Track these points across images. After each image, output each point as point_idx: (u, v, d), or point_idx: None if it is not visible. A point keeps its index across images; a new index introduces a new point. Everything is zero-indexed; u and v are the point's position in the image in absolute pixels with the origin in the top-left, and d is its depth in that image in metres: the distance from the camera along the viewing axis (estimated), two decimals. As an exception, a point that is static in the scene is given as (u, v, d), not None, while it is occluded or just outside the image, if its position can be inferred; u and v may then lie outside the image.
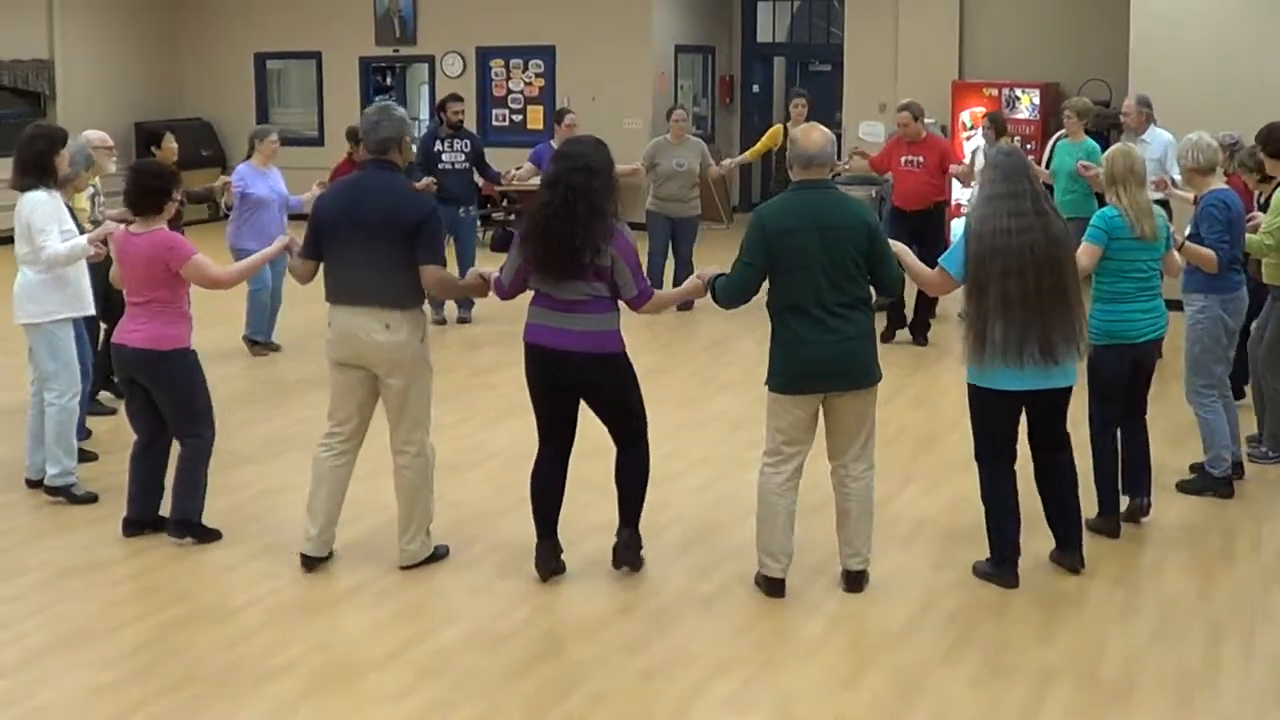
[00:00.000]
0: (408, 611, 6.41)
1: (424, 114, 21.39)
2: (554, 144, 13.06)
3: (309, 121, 21.32)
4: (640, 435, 6.75)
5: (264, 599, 6.56)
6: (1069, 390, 6.60)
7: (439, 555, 6.97)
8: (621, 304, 6.55)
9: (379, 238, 6.48)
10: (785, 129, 13.95)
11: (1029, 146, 15.80)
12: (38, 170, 7.73)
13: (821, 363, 6.25)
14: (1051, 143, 12.83)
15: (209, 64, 21.46)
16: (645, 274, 6.67)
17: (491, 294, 6.78)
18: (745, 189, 21.27)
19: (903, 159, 12.66)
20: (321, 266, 6.76)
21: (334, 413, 6.80)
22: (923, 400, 10.03)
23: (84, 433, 8.49)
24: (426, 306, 6.80)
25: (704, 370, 11.33)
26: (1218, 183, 7.96)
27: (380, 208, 6.52)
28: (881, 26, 17.52)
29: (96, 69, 20.11)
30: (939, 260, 6.67)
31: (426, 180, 12.28)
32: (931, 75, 16.78)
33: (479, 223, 13.36)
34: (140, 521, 7.28)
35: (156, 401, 7.11)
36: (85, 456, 8.29)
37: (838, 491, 6.55)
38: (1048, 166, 12.26)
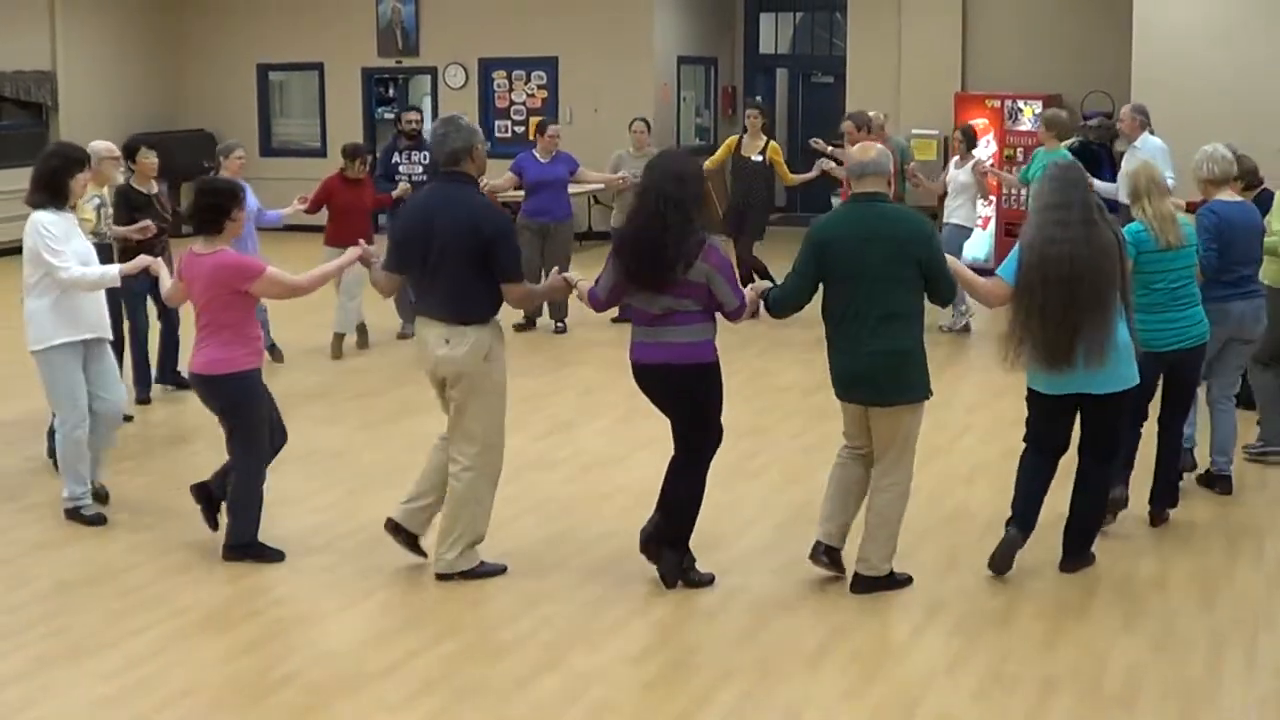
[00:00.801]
0: (410, 622, 6.40)
1: (426, 125, 21.40)
2: (536, 155, 13.15)
3: (311, 133, 21.34)
4: (705, 449, 6.73)
5: (266, 610, 6.56)
6: (1114, 396, 6.71)
7: (488, 572, 6.85)
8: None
9: (450, 251, 6.51)
10: (740, 140, 14.04)
11: (1032, 157, 15.85)
12: (49, 189, 7.57)
13: (852, 374, 6.46)
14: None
15: (211, 75, 21.48)
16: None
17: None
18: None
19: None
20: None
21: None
22: (929, 411, 10.02)
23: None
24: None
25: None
26: (1228, 194, 7.98)
27: (453, 222, 6.53)
28: (884, 38, 17.54)
29: (98, 80, 20.13)
30: (996, 271, 6.82)
31: (404, 187, 12.31)
32: (934, 87, 16.81)
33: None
34: (241, 546, 7.15)
35: (220, 421, 7.10)
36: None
37: (868, 498, 6.66)
38: (1024, 177, 12.50)
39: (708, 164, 14.24)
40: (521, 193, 13.29)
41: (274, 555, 7.08)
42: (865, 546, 6.62)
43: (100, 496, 7.91)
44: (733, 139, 14.36)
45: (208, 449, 8.50)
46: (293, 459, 7.80)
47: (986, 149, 15.73)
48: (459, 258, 6.50)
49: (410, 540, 6.96)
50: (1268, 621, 6.45)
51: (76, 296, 7.55)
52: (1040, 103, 16.23)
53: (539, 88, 20.17)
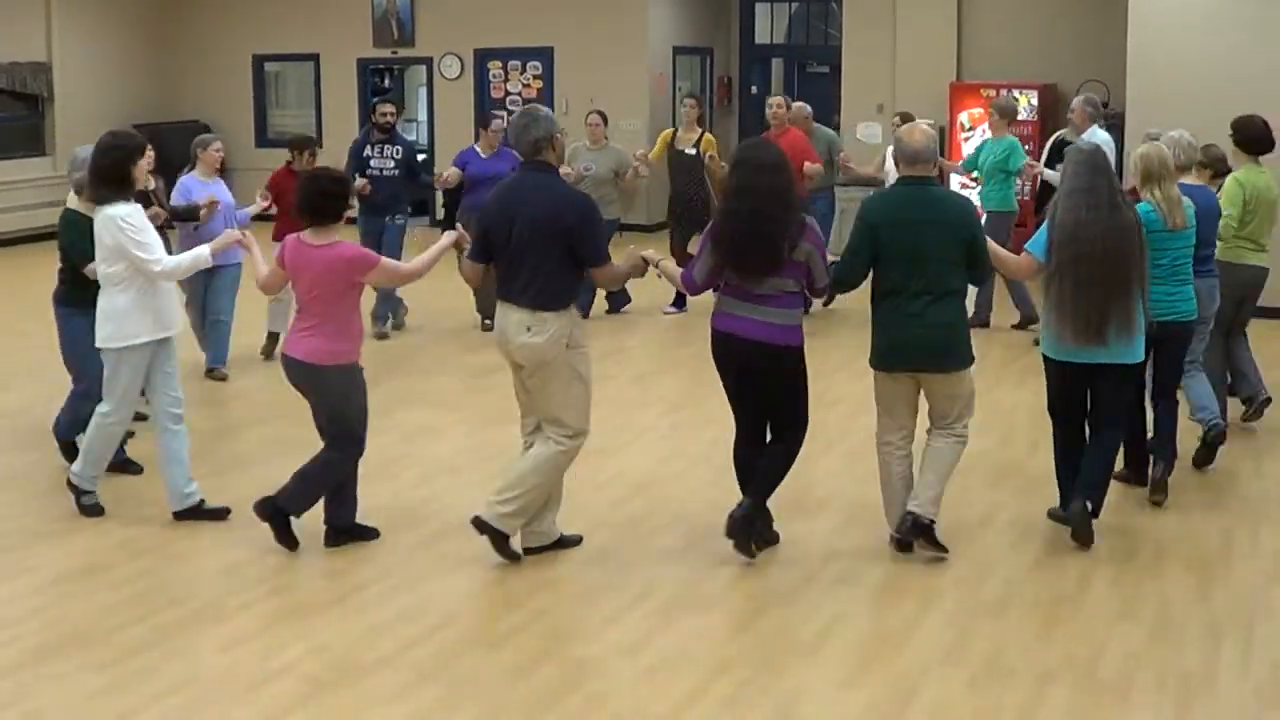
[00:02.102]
0: (406, 613, 6.40)
1: (421, 116, 21.40)
2: (478, 149, 12.81)
3: (307, 123, 21.30)
4: (799, 426, 6.98)
5: (262, 601, 6.56)
6: (1127, 368, 7.10)
7: (510, 553, 6.92)
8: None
9: (535, 239, 6.61)
10: (675, 133, 13.88)
11: (1027, 147, 15.83)
12: (117, 181, 7.29)
13: (908, 347, 6.75)
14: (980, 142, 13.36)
15: (207, 66, 21.45)
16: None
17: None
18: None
19: None
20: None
21: (521, 406, 7.00)
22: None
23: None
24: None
25: (703, 370, 11.30)
26: (1189, 179, 8.19)
27: (537, 209, 6.64)
28: (879, 28, 17.51)
29: (95, 71, 20.10)
30: (1025, 247, 7.22)
31: (361, 182, 11.98)
32: (929, 76, 16.78)
33: (407, 230, 13.07)
34: (339, 529, 7.19)
35: (316, 413, 7.09)
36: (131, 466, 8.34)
37: (925, 451, 6.99)
38: (974, 165, 12.85)
39: (651, 156, 14.01)
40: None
41: (291, 541, 7.04)
42: (920, 490, 6.91)
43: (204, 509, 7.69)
44: (668, 131, 14.15)
45: (208, 439, 8.50)
46: (287, 451, 7.79)
47: (981, 138, 15.72)
48: (543, 245, 6.61)
49: (557, 544, 7.07)
50: (1264, 611, 6.45)
51: (161, 291, 7.39)
52: (1036, 92, 16.24)
53: (534, 78, 20.14)
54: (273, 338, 11.75)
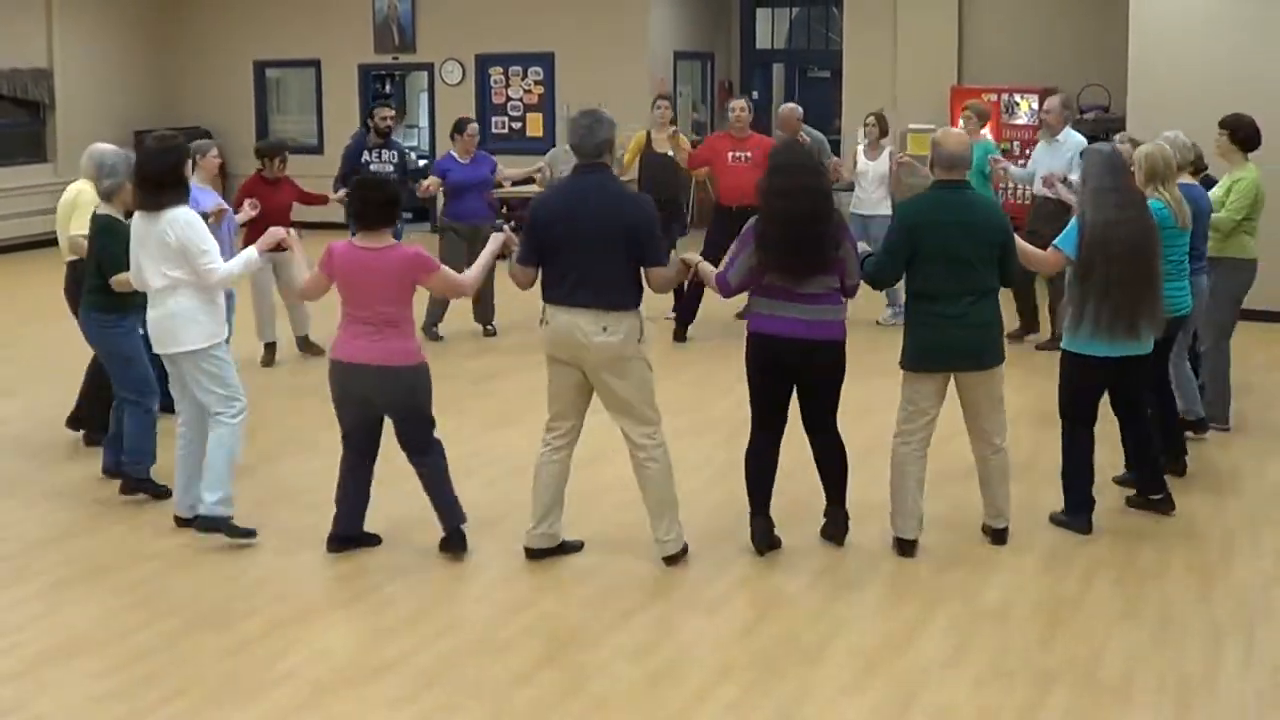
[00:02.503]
0: (409, 619, 6.41)
1: (422, 122, 21.41)
2: (455, 155, 12.60)
3: (308, 130, 21.34)
4: (834, 418, 7.13)
5: (266, 606, 6.56)
6: (1146, 358, 7.37)
7: (570, 548, 7.13)
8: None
9: (598, 240, 6.63)
10: (649, 134, 13.74)
11: (1028, 152, 15.83)
12: (175, 184, 7.18)
13: (947, 345, 6.90)
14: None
15: (208, 72, 21.48)
16: None
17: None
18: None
19: (730, 154, 12.72)
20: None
21: (551, 409, 6.98)
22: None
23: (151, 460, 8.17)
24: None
25: (705, 375, 11.33)
26: (1184, 178, 8.41)
27: (599, 210, 6.66)
28: (880, 32, 17.52)
29: (96, 77, 20.13)
30: (1054, 243, 7.36)
31: (341, 192, 11.73)
32: (930, 80, 16.80)
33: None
34: (347, 537, 7.18)
35: (390, 417, 7.04)
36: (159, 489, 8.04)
37: (978, 460, 7.25)
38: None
39: (626, 161, 13.74)
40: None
41: (459, 544, 7.14)
42: (998, 502, 7.23)
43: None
44: (641, 134, 13.92)
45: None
46: (291, 454, 7.81)
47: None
48: (610, 246, 6.63)
49: (560, 548, 7.12)
50: (1265, 614, 6.46)
51: (217, 291, 7.34)
52: (1037, 96, 16.25)
53: (535, 83, 20.16)
54: (270, 348, 11.72)
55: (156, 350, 7.37)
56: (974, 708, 5.52)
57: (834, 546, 7.17)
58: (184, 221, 7.11)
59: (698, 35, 20.79)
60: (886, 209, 12.75)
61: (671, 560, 6.94)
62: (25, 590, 6.79)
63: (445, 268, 7.07)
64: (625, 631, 6.25)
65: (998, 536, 7.25)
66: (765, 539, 7.08)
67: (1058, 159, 11.44)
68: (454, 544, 7.11)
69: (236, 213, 10.36)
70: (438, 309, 12.64)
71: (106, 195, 7.93)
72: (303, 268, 7.37)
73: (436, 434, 7.14)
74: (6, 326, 13.54)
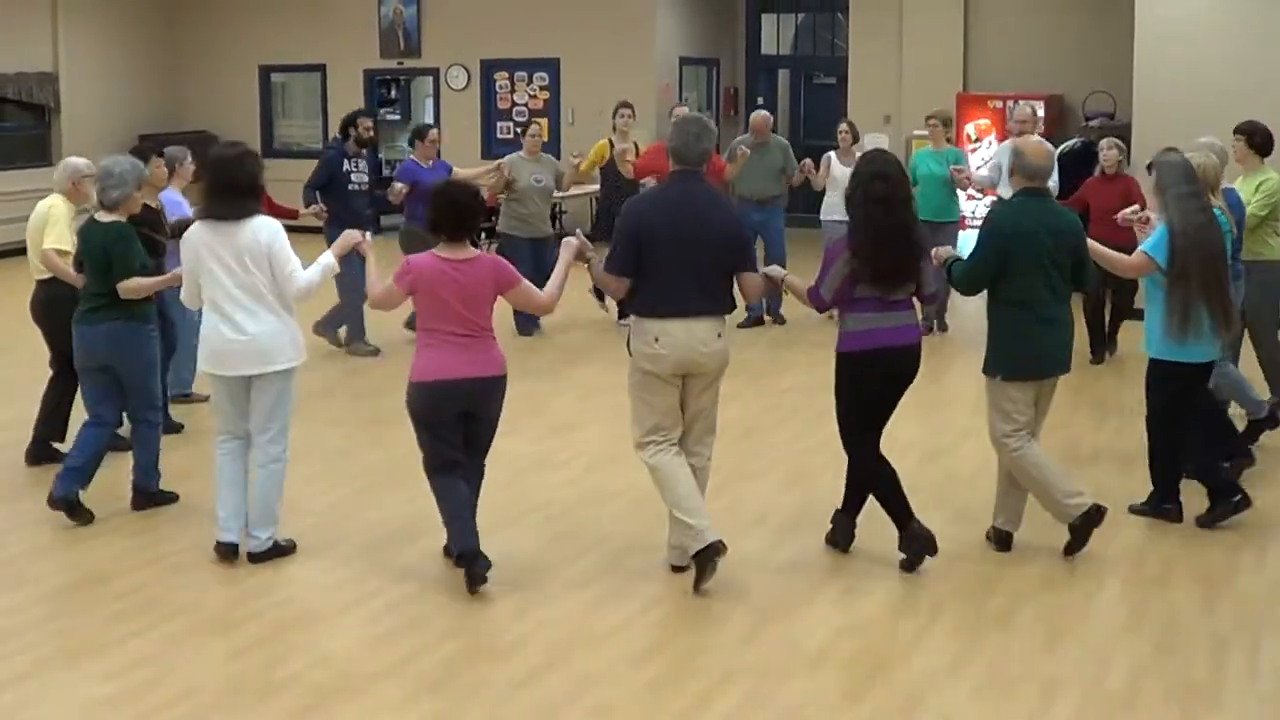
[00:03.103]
0: (411, 624, 6.40)
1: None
2: (416, 160, 12.53)
3: (313, 134, 21.35)
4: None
5: (266, 612, 6.55)
6: (1214, 362, 7.71)
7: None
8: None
9: (704, 248, 6.59)
10: (611, 143, 13.81)
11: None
12: (256, 193, 6.96)
13: (1045, 352, 7.01)
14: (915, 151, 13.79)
15: (213, 77, 21.50)
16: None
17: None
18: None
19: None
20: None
21: (658, 426, 6.75)
22: (931, 410, 10.02)
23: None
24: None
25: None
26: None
27: (703, 218, 6.63)
28: (886, 39, 17.54)
29: (101, 82, 20.15)
30: (1141, 248, 7.50)
31: (316, 207, 11.62)
32: (936, 87, 16.80)
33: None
34: (474, 552, 6.72)
35: (473, 433, 6.82)
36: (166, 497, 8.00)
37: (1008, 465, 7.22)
38: (914, 176, 12.89)
39: (583, 168, 13.93)
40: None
41: (483, 565, 6.72)
42: (1020, 505, 7.25)
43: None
44: (603, 143, 14.00)
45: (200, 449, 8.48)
46: (295, 458, 7.77)
47: (989, 149, 15.75)
48: (716, 253, 6.62)
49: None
50: (1270, 624, 6.44)
51: (301, 301, 7.03)
52: (1042, 102, 16.24)
53: (541, 89, 20.18)
54: None
55: (220, 371, 6.94)
56: (977, 716, 5.50)
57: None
58: (274, 229, 6.87)
59: (703, 41, 20.80)
60: None
61: (678, 569, 6.87)
62: (26, 595, 6.78)
63: (526, 281, 6.87)
64: (626, 637, 6.24)
65: (1004, 541, 7.28)
66: (930, 545, 6.94)
67: None
68: (473, 581, 6.71)
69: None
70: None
71: (113, 205, 7.69)
72: (374, 273, 7.05)
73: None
74: (8, 329, 13.52)
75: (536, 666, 5.93)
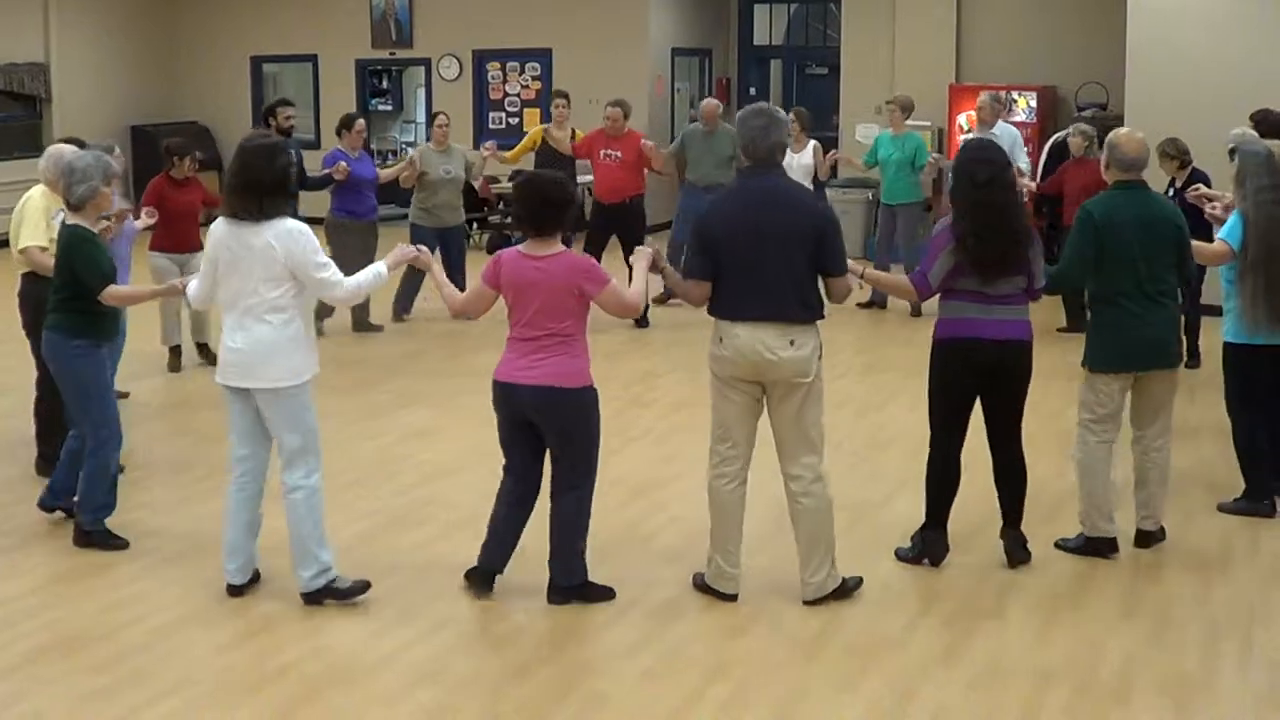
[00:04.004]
0: (404, 615, 6.39)
1: (420, 117, 21.39)
2: (342, 150, 12.39)
3: (305, 125, 21.28)
4: (1020, 430, 6.97)
5: (259, 603, 6.55)
6: None
7: (849, 588, 6.55)
8: None
9: (782, 248, 6.19)
10: (546, 130, 13.90)
11: (1026, 149, 15.83)
12: (282, 192, 6.33)
13: (1141, 344, 6.94)
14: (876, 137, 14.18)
15: (205, 67, 21.45)
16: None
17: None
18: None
19: (602, 152, 13.15)
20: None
21: (726, 435, 6.47)
22: (920, 403, 10.03)
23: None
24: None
25: (700, 372, 11.30)
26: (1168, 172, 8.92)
27: (783, 216, 6.24)
28: (879, 29, 17.52)
29: (93, 72, 20.10)
30: (1220, 236, 7.60)
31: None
32: (929, 78, 16.78)
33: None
34: (489, 572, 6.58)
35: (551, 446, 6.40)
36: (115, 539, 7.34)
37: (1138, 460, 7.21)
38: (874, 159, 13.72)
39: (509, 156, 13.91)
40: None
41: (606, 593, 6.52)
42: (1151, 503, 7.20)
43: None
44: (538, 130, 14.11)
45: (196, 439, 8.50)
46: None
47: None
48: (799, 254, 6.22)
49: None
50: (1263, 615, 6.45)
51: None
52: (1035, 94, 16.25)
53: (533, 79, 20.15)
54: (176, 351, 11.35)
55: (234, 383, 6.38)
56: (971, 707, 5.50)
57: (1016, 570, 6.89)
58: (296, 232, 6.22)
59: (696, 32, 20.77)
60: None
61: (813, 603, 6.44)
62: (18, 586, 6.77)
63: (616, 281, 6.39)
64: (620, 629, 6.24)
65: (1144, 539, 7.19)
66: (944, 551, 6.92)
67: None
68: (558, 598, 6.49)
69: (137, 219, 9.54)
70: (410, 287, 12.83)
71: (79, 204, 7.06)
72: (446, 284, 6.77)
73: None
74: (2, 322, 13.50)
75: (530, 658, 5.93)
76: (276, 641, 6.11)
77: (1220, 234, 7.63)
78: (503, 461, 6.57)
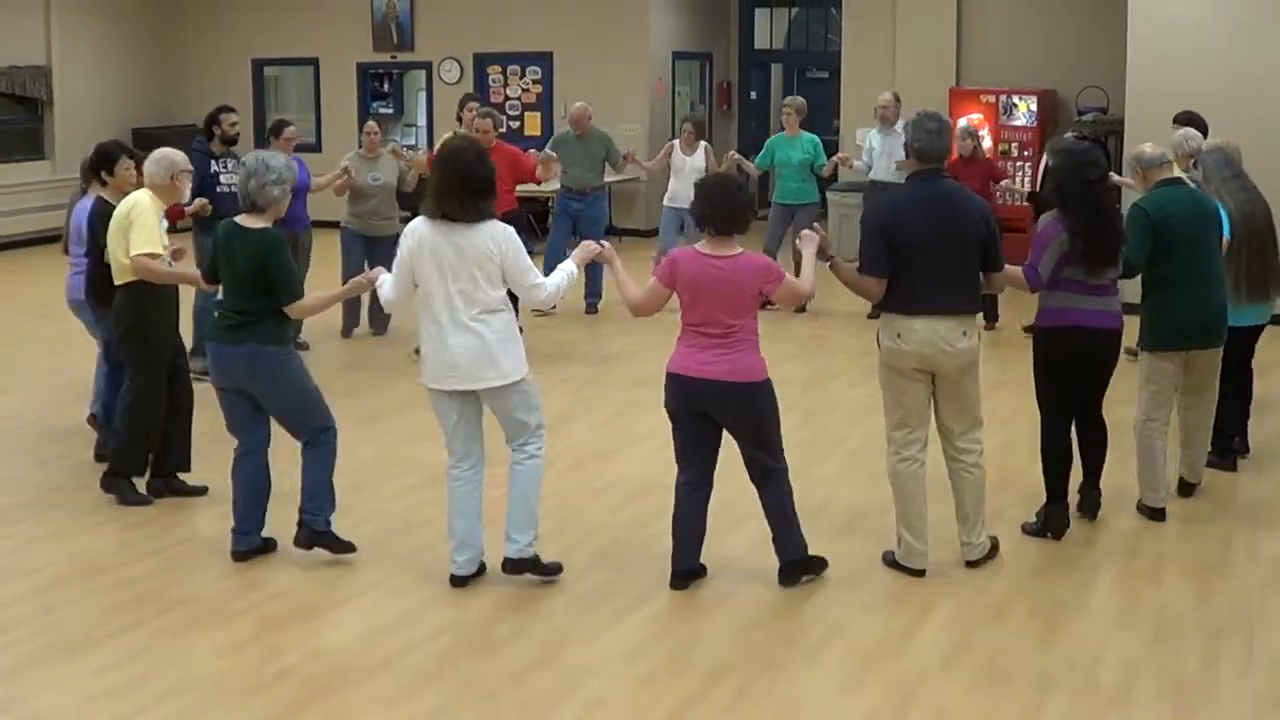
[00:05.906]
0: (405, 618, 6.40)
1: (421, 121, 21.39)
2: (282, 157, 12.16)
3: (306, 128, 21.28)
4: (1101, 403, 7.52)
5: (261, 605, 6.55)
6: (1261, 328, 8.61)
7: (996, 547, 7.13)
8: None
9: (959, 246, 6.68)
10: (456, 135, 13.67)
11: (1026, 153, 15.85)
12: (494, 195, 6.52)
13: (1195, 324, 7.62)
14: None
15: (206, 70, 21.44)
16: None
17: None
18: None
19: None
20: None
21: (904, 422, 6.85)
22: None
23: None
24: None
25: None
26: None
27: (958, 216, 6.71)
28: (879, 33, 17.51)
29: (94, 75, 20.09)
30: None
31: (199, 203, 10.44)
32: (929, 82, 16.77)
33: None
34: (689, 571, 6.74)
35: (741, 439, 6.60)
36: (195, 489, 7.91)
37: (1185, 413, 8.00)
38: (770, 161, 13.95)
39: (424, 163, 13.65)
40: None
41: (822, 564, 6.89)
42: (1193, 451, 8.02)
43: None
44: (450, 136, 13.63)
45: (202, 438, 8.49)
46: (288, 454, 7.77)
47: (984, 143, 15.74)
48: (972, 250, 6.72)
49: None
50: (1263, 617, 6.45)
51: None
52: (1035, 98, 16.25)
53: (534, 82, 20.15)
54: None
55: (460, 386, 6.51)
56: (971, 710, 5.51)
57: (1087, 520, 7.55)
58: (510, 235, 6.45)
59: (696, 35, 20.78)
60: None
61: (974, 564, 6.96)
62: (21, 587, 6.77)
63: (789, 276, 6.70)
64: (620, 631, 6.24)
65: (1188, 489, 7.99)
66: (1065, 525, 7.40)
67: (897, 147, 12.00)
68: (789, 577, 6.74)
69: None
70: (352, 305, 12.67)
71: (264, 206, 6.86)
72: (626, 279, 6.76)
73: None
74: (4, 324, 13.53)
75: (530, 660, 5.94)
76: (277, 644, 6.11)
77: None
78: (678, 458, 6.73)
